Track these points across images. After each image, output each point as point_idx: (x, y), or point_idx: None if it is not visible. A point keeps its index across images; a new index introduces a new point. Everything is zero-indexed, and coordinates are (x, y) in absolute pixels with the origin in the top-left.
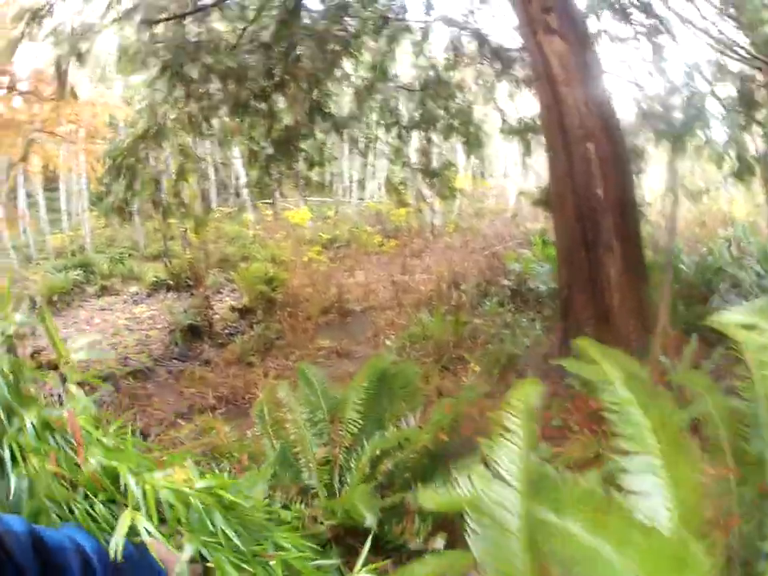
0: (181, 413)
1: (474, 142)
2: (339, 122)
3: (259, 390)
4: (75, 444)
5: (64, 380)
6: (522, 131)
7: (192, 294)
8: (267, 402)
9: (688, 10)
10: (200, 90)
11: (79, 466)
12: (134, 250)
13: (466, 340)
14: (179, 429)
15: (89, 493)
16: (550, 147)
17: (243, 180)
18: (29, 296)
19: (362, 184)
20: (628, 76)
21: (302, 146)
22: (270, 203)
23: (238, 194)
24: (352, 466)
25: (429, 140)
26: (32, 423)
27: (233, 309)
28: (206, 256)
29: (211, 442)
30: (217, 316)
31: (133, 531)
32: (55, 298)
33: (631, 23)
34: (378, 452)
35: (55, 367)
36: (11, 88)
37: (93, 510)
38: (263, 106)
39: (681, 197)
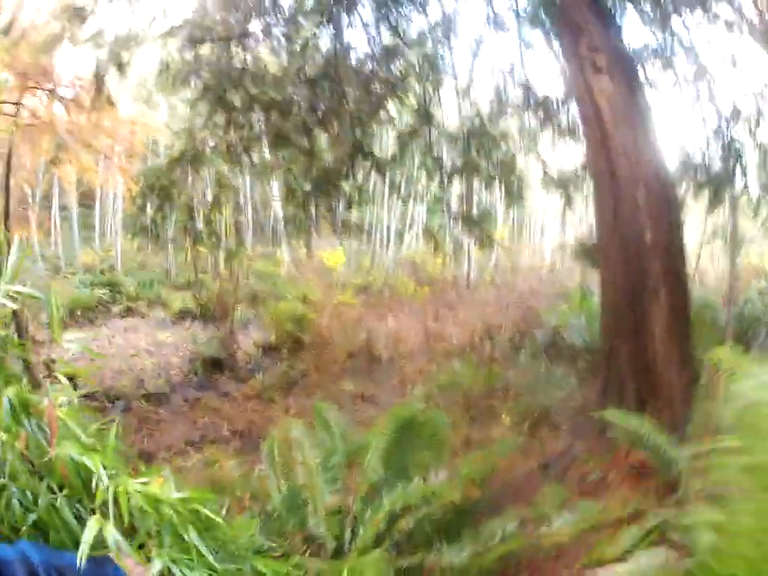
0: (191, 441)
1: (514, 193)
2: (380, 163)
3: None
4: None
5: (49, 369)
6: (563, 183)
7: (217, 327)
8: (279, 440)
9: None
10: (241, 119)
11: (50, 459)
12: (164, 277)
13: (497, 391)
14: (187, 457)
15: (54, 485)
16: (598, 192)
17: (280, 218)
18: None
19: (400, 234)
20: (668, 124)
21: (342, 185)
22: (305, 244)
23: (274, 233)
24: (367, 518)
25: (470, 188)
26: (9, 400)
27: (256, 345)
28: (236, 290)
29: (213, 476)
30: (240, 351)
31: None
32: (78, 312)
33: (674, 69)
34: (398, 507)
35: (70, 379)
36: (52, 91)
37: (56, 504)
38: (305, 142)
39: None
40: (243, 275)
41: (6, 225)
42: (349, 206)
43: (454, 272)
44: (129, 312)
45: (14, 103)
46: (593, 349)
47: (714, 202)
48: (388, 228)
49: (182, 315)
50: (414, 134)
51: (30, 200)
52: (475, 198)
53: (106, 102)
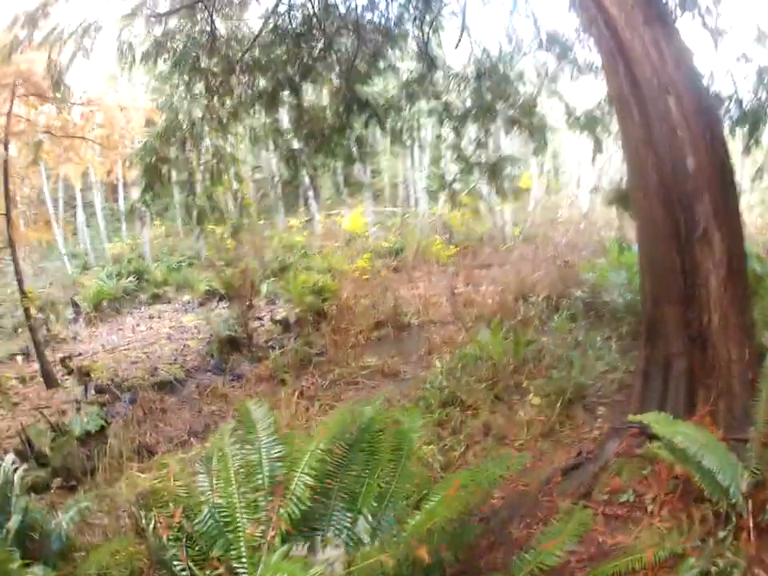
0: (195, 432)
1: (539, 136)
2: (380, 112)
3: (284, 413)
4: None
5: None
6: (589, 124)
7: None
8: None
9: None
10: (223, 85)
11: None
12: (195, 259)
13: (528, 363)
14: (189, 449)
15: None
16: (620, 107)
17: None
18: (72, 300)
19: (433, 194)
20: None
21: (339, 140)
22: (334, 212)
23: (306, 203)
24: None
25: (486, 131)
26: None
27: (274, 321)
28: (262, 265)
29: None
30: (262, 328)
31: None
32: (105, 303)
33: None
34: None
35: (86, 374)
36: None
37: None
38: (293, 98)
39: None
40: (268, 248)
41: (8, 230)
42: (349, 162)
43: (488, 230)
44: (155, 298)
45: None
46: (637, 309)
47: (752, 139)
48: (415, 185)
49: (208, 296)
50: (419, 81)
51: (50, 203)
52: (494, 146)
53: (62, 92)
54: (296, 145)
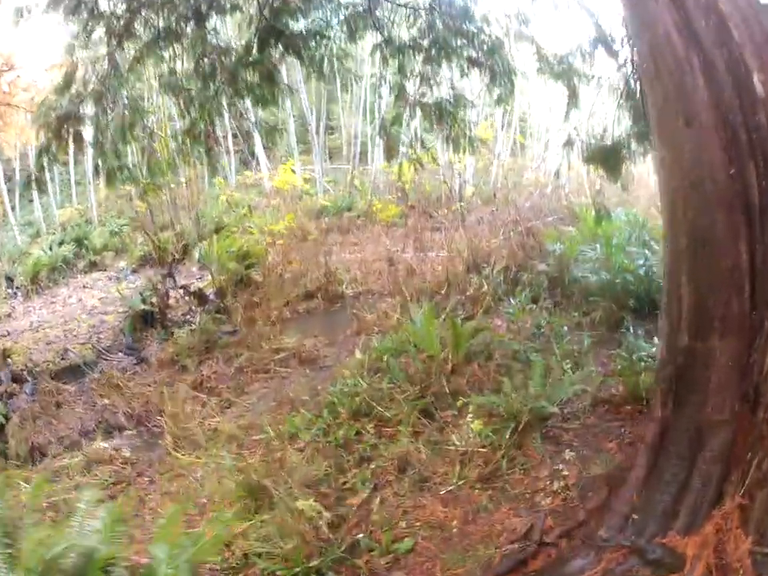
0: (86, 430)
1: (503, 81)
2: (295, 42)
3: (182, 407)
4: None
5: None
6: (565, 72)
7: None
8: None
9: None
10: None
11: None
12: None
13: (472, 361)
14: (76, 452)
15: None
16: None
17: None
18: (6, 275)
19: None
20: None
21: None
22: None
23: (253, 157)
24: None
25: (434, 65)
26: None
27: (187, 291)
28: (197, 226)
29: None
30: (185, 300)
31: None
32: (43, 274)
33: None
34: None
35: (6, 357)
36: None
37: None
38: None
39: None
40: (213, 208)
41: None
42: (262, 103)
43: (445, 189)
44: (93, 266)
45: None
46: (614, 292)
47: None
48: (373, 140)
49: (143, 262)
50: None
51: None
52: (449, 89)
53: None
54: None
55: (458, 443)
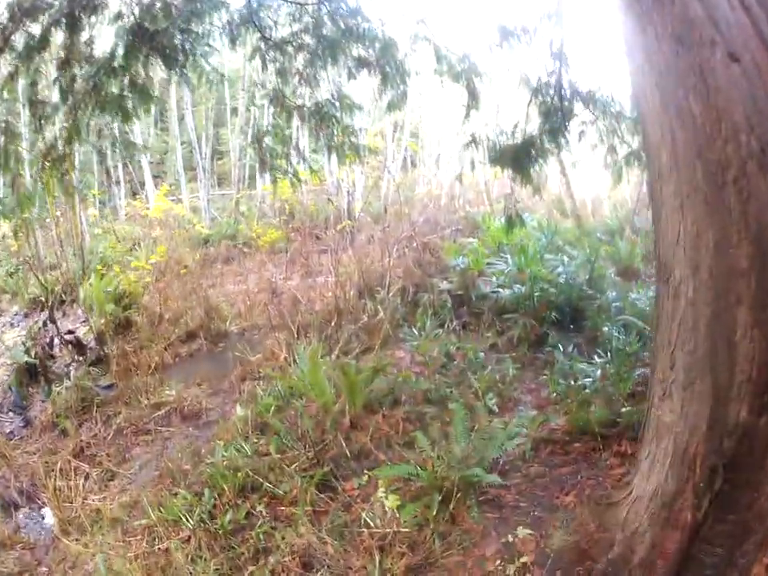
0: None
1: (395, 82)
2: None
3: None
4: None
5: None
6: (465, 72)
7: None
8: None
9: None
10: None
11: None
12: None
13: (375, 408)
14: None
15: None
16: None
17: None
18: None
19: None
20: None
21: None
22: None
23: (142, 187)
24: None
25: (317, 65)
26: None
27: (64, 340)
28: (83, 263)
29: None
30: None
31: None
32: None
33: None
34: None
35: None
36: None
37: None
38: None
39: None
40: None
41: None
42: (124, 117)
43: (334, 208)
44: None
45: None
46: (532, 304)
47: None
48: (250, 160)
49: (34, 306)
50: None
51: None
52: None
53: None
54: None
55: (372, 525)
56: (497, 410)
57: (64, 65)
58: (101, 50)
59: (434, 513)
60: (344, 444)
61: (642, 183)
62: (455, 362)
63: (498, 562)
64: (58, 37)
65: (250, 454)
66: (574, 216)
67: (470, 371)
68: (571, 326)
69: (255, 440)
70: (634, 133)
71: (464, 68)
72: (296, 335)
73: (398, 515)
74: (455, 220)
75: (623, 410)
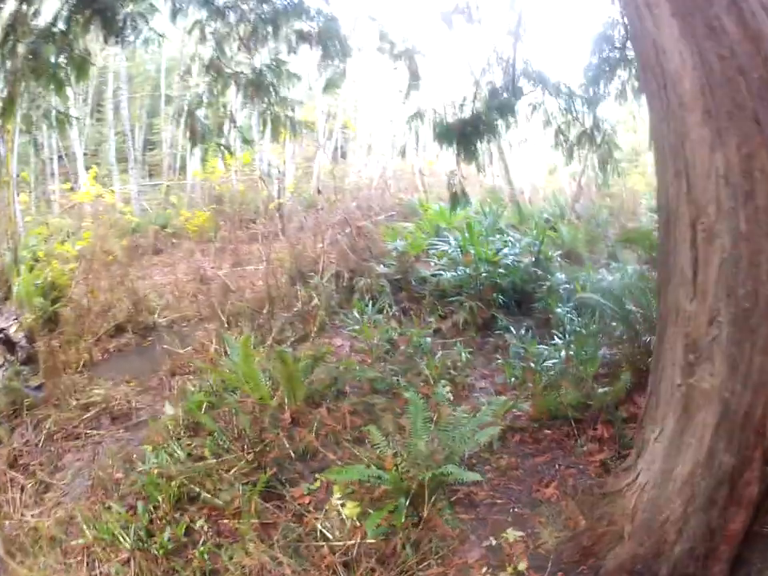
0: None
1: (333, 57)
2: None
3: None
4: None
5: None
6: (407, 52)
7: None
8: None
9: None
10: None
11: None
12: None
13: (318, 401)
14: None
15: None
16: None
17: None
18: None
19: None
20: None
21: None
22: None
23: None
24: None
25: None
26: None
27: None
28: (15, 257)
29: None
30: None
31: None
32: None
33: None
34: None
35: None
36: None
37: None
38: None
39: None
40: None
41: None
42: (58, 87)
43: (264, 195)
44: None
45: None
46: (477, 287)
47: None
48: (182, 150)
49: None
50: None
51: None
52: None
53: None
54: None
55: (330, 537)
56: (452, 398)
57: (7, 34)
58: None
59: (402, 519)
60: (287, 443)
61: (583, 170)
62: (400, 349)
63: (485, 569)
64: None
65: (183, 459)
66: (513, 202)
67: (418, 357)
68: (519, 309)
69: (188, 442)
70: (586, 113)
71: (407, 47)
72: (227, 325)
73: (359, 524)
74: (389, 206)
75: (595, 392)
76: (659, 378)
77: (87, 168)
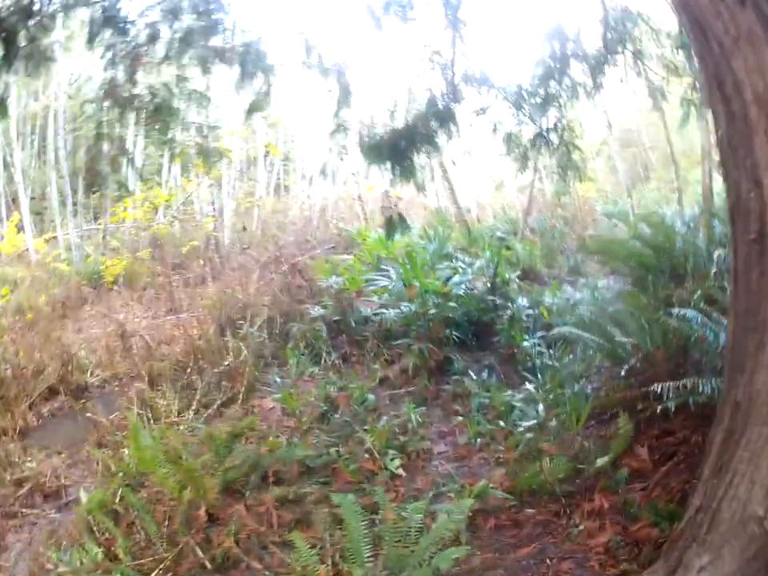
0: None
1: (252, 67)
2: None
3: None
4: None
5: None
6: (334, 68)
7: None
8: None
9: None
10: None
11: None
12: None
13: (237, 493)
14: None
15: None
16: None
17: None
18: None
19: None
20: None
21: None
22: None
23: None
24: None
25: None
26: None
27: None
28: None
29: None
30: None
31: None
32: None
33: None
34: None
35: None
36: None
37: None
38: None
39: None
40: None
41: None
42: None
43: (202, 237)
44: None
45: None
46: (426, 324)
47: None
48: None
49: None
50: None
51: None
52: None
53: None
54: None
55: None
56: (402, 474)
57: None
58: None
59: None
60: (200, 552)
61: (533, 181)
62: (339, 409)
63: None
64: None
65: (99, 560)
66: (461, 222)
67: (358, 423)
68: (478, 344)
69: (106, 536)
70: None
71: (336, 60)
72: (153, 386)
73: None
74: (327, 238)
75: (586, 452)
76: (722, 495)
77: (36, 213)
